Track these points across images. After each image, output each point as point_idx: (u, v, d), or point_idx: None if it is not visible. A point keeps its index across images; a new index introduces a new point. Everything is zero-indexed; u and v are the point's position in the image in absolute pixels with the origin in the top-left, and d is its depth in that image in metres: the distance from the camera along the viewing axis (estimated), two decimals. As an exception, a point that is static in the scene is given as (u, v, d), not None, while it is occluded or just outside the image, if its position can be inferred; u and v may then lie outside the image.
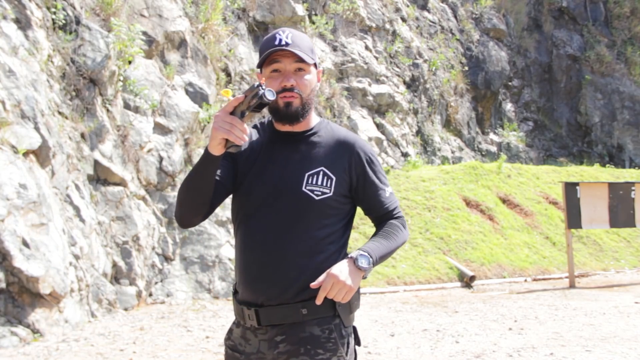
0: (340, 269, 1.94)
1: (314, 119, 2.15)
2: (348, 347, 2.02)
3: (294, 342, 1.97)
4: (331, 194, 2.03)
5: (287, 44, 2.00)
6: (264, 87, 1.86)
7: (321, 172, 2.04)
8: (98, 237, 7.30)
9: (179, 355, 5.45)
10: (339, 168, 2.06)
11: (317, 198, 2.01)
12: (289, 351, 1.97)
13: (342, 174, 2.06)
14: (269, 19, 12.67)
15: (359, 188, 2.10)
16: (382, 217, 2.15)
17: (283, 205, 2.02)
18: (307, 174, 2.03)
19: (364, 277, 2.00)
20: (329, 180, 2.04)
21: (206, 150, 1.95)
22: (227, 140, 1.90)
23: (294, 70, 2.03)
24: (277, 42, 2.01)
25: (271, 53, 2.01)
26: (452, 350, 5.59)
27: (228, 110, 1.89)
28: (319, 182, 2.03)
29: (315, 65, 2.09)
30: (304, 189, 2.02)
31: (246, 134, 1.89)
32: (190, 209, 2.06)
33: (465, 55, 17.87)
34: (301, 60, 2.02)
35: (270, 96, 1.85)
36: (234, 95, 1.99)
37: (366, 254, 1.98)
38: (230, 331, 2.14)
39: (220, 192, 2.09)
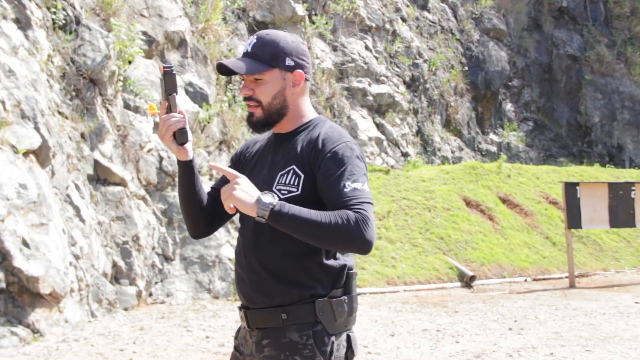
0: (245, 183, 1.89)
1: (306, 118, 2.11)
2: (331, 355, 1.95)
3: (276, 348, 1.96)
4: (298, 192, 1.96)
5: (246, 53, 2.06)
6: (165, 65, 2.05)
7: (291, 171, 2.00)
8: (98, 237, 7.30)
9: (179, 355, 5.45)
10: (307, 165, 1.99)
11: (282, 197, 1.97)
12: (272, 356, 1.96)
13: (311, 172, 1.98)
14: (269, 19, 12.67)
15: (318, 182, 1.95)
16: (337, 207, 1.89)
17: None
18: (279, 174, 2.02)
19: (258, 217, 1.85)
20: (297, 179, 1.98)
21: (177, 161, 2.12)
22: (174, 137, 2.03)
23: (252, 80, 2.06)
24: (243, 50, 2.09)
25: (221, 67, 2.06)
26: (452, 350, 5.59)
27: (161, 115, 2.04)
28: (288, 181, 1.99)
29: (282, 68, 2.04)
30: (274, 188, 2.00)
31: (177, 115, 2.01)
32: (189, 217, 2.17)
33: (465, 55, 17.87)
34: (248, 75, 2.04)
35: (165, 63, 2.04)
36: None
37: (276, 197, 1.87)
38: (238, 330, 2.18)
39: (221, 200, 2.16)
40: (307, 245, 1.96)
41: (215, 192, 2.18)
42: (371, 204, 1.89)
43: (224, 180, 2.19)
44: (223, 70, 2.07)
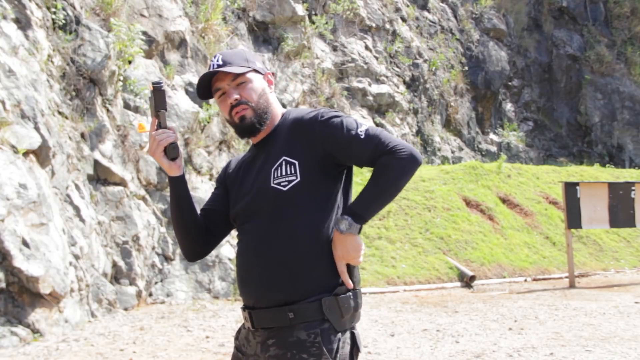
0: (335, 247, 2.00)
1: (279, 117, 2.17)
2: (337, 353, 1.96)
3: (283, 347, 1.96)
4: (299, 178, 2.00)
5: (218, 66, 2.09)
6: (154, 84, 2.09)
7: (283, 162, 2.04)
8: (98, 237, 7.30)
9: (179, 355, 5.45)
10: (298, 150, 2.03)
11: (285, 189, 2.00)
12: (278, 355, 1.96)
13: (305, 154, 2.03)
14: (269, 19, 12.67)
15: (334, 152, 2.02)
16: (373, 162, 2.02)
17: (261, 207, 2.05)
18: (272, 170, 2.05)
19: (358, 232, 1.99)
20: (292, 166, 2.02)
21: (168, 178, 2.16)
22: (164, 152, 2.07)
23: (235, 86, 2.10)
24: (212, 67, 2.12)
25: (204, 81, 2.11)
26: (452, 350, 5.59)
27: (151, 131, 2.09)
28: (284, 172, 2.02)
29: (256, 70, 2.13)
30: (272, 184, 2.02)
31: (167, 131, 2.06)
32: (184, 235, 2.19)
33: (465, 55, 17.87)
34: (237, 76, 2.09)
35: (154, 81, 2.08)
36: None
37: (346, 216, 1.99)
38: (238, 331, 2.17)
39: (215, 219, 2.21)
40: (305, 233, 2.00)
41: (208, 212, 2.22)
42: (383, 132, 2.05)
43: (214, 200, 2.24)
44: (203, 89, 2.13)
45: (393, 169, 1.97)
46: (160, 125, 2.07)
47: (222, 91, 2.11)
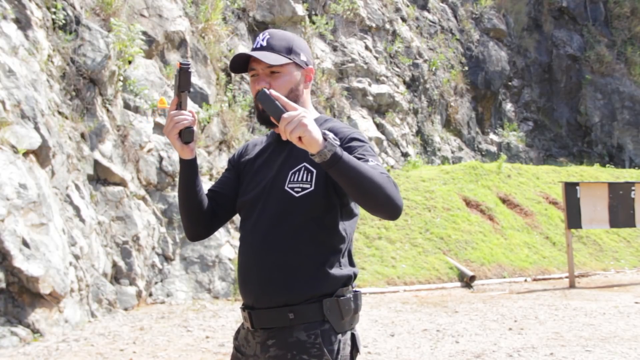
0: (309, 116, 1.75)
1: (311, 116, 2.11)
2: (337, 354, 1.95)
3: (283, 347, 1.95)
4: (312, 188, 1.97)
5: (261, 47, 2.03)
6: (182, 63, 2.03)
7: (303, 168, 2.00)
8: (98, 237, 7.30)
9: (179, 355, 5.45)
10: None
11: (297, 195, 1.97)
12: (278, 356, 1.95)
13: None
14: (269, 19, 12.67)
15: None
16: None
17: (269, 206, 2.02)
18: (290, 172, 2.01)
19: (321, 154, 1.73)
20: (310, 175, 1.98)
21: (179, 159, 2.09)
22: (179, 135, 2.02)
23: (268, 73, 2.03)
24: (253, 46, 2.06)
25: (242, 57, 2.05)
26: (452, 350, 5.59)
27: (171, 110, 2.02)
28: (300, 179, 1.99)
29: (296, 64, 2.06)
30: (285, 187, 1.99)
31: (186, 114, 1.99)
32: (188, 218, 2.15)
33: (465, 55, 17.87)
34: (271, 65, 2.01)
35: (183, 60, 2.03)
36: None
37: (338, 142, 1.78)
38: (237, 331, 2.16)
39: (222, 202, 2.17)
40: (310, 241, 1.97)
41: (215, 194, 2.18)
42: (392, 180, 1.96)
43: (223, 182, 2.20)
44: (237, 64, 2.06)
45: (384, 176, 1.83)
46: (181, 106, 2.04)
47: (255, 73, 2.05)
